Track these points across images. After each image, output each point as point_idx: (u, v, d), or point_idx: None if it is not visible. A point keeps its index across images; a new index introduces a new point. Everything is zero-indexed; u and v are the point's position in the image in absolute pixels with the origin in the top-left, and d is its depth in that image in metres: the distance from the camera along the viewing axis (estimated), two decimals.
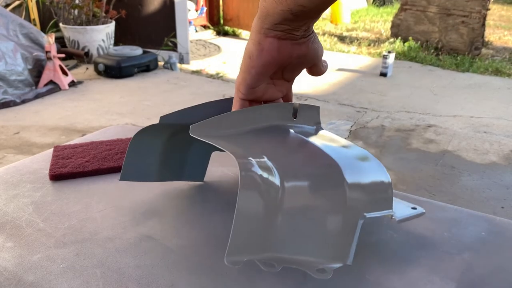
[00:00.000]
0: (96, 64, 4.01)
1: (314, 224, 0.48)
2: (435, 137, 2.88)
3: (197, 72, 4.27)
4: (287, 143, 0.57)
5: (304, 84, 3.81)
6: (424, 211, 0.59)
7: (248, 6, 5.64)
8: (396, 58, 4.59)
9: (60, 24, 4.33)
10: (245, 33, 5.94)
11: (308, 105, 0.61)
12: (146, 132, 0.63)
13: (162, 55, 4.47)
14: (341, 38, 5.74)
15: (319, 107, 0.62)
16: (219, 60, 4.75)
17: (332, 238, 0.48)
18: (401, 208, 0.59)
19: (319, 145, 0.56)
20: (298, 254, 0.47)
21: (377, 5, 8.38)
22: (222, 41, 5.63)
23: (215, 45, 5.40)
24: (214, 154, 0.72)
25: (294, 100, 0.63)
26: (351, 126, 3.01)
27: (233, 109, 0.58)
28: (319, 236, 0.48)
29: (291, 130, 0.59)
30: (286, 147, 0.56)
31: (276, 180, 0.48)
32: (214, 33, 5.96)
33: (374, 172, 0.55)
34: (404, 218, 0.57)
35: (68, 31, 4.27)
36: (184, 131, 0.56)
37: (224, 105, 0.62)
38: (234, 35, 5.96)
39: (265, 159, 0.50)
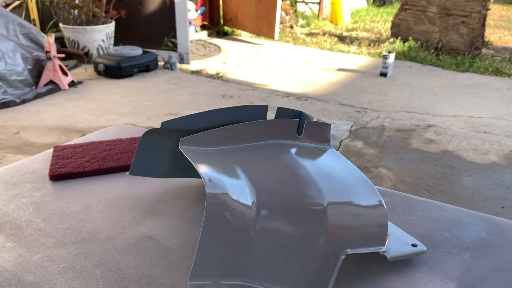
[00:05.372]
0: (96, 64, 4.01)
1: (290, 255, 0.47)
2: (435, 137, 2.88)
3: (197, 72, 4.27)
4: (276, 166, 0.54)
5: (304, 84, 3.81)
6: (425, 249, 0.56)
7: (245, 7, 5.64)
8: (396, 58, 4.59)
9: (60, 24, 4.33)
10: (244, 34, 5.93)
11: (318, 122, 0.59)
12: (155, 133, 0.63)
13: (162, 55, 4.47)
14: (341, 38, 5.74)
15: (330, 124, 0.60)
16: (219, 60, 4.75)
17: (309, 271, 0.46)
18: (400, 244, 0.56)
19: (313, 169, 0.53)
20: (271, 284, 0.46)
21: (377, 5, 8.37)
22: (222, 41, 5.63)
23: (215, 45, 5.40)
24: None
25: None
26: (351, 126, 3.01)
27: None
28: (295, 268, 0.47)
29: (290, 150, 0.56)
30: (273, 171, 0.53)
31: (250, 210, 0.47)
32: (214, 33, 5.95)
33: (370, 206, 0.53)
34: (397, 256, 0.54)
35: (68, 31, 4.27)
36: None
37: (228, 115, 0.61)
38: (234, 35, 5.96)
39: (244, 183, 0.48)
